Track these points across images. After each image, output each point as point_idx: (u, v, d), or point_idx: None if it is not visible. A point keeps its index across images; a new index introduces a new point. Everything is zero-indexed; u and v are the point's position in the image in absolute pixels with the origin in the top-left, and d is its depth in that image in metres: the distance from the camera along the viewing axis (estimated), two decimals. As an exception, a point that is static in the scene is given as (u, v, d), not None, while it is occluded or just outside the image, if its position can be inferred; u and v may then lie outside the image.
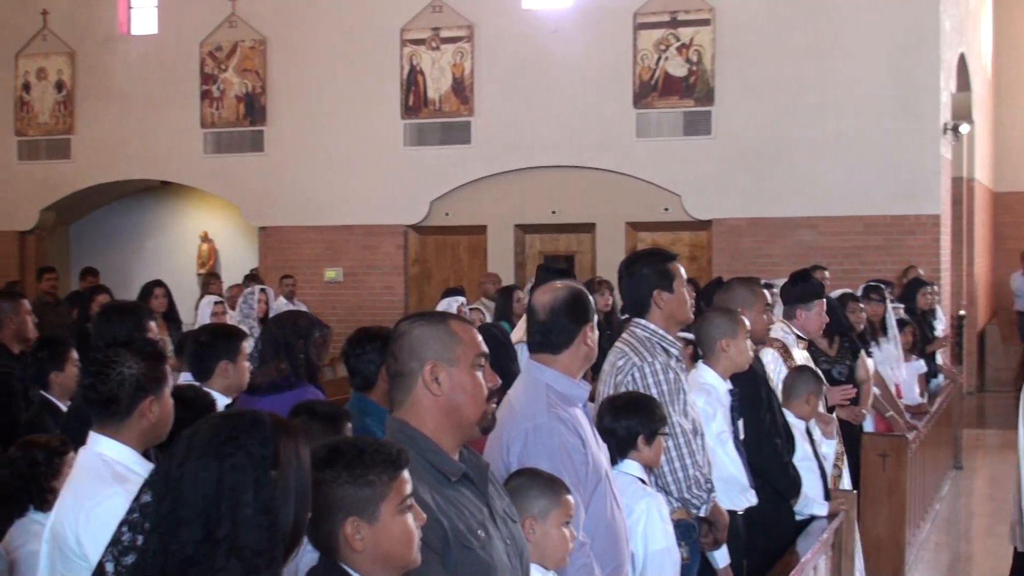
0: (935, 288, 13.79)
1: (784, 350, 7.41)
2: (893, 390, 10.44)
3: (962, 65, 18.42)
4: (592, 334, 4.44)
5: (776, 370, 7.31)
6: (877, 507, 8.92)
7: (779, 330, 7.54)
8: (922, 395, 11.63)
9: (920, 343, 12.03)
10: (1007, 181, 23.90)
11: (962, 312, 18.23)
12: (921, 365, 11.79)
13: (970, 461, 14.66)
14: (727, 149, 16.46)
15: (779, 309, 7.93)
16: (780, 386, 7.19)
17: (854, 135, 15.97)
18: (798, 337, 7.55)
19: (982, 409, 19.12)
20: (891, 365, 10.76)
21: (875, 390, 9.74)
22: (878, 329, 10.80)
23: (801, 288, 7.72)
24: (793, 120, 16.23)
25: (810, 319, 7.65)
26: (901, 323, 11.37)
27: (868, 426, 9.30)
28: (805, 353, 7.55)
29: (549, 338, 4.42)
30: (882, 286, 11.61)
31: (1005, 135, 23.79)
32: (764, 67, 16.33)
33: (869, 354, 10.00)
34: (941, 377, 13.24)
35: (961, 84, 18.40)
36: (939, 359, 13.40)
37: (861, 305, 10.17)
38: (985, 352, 20.70)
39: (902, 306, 12.22)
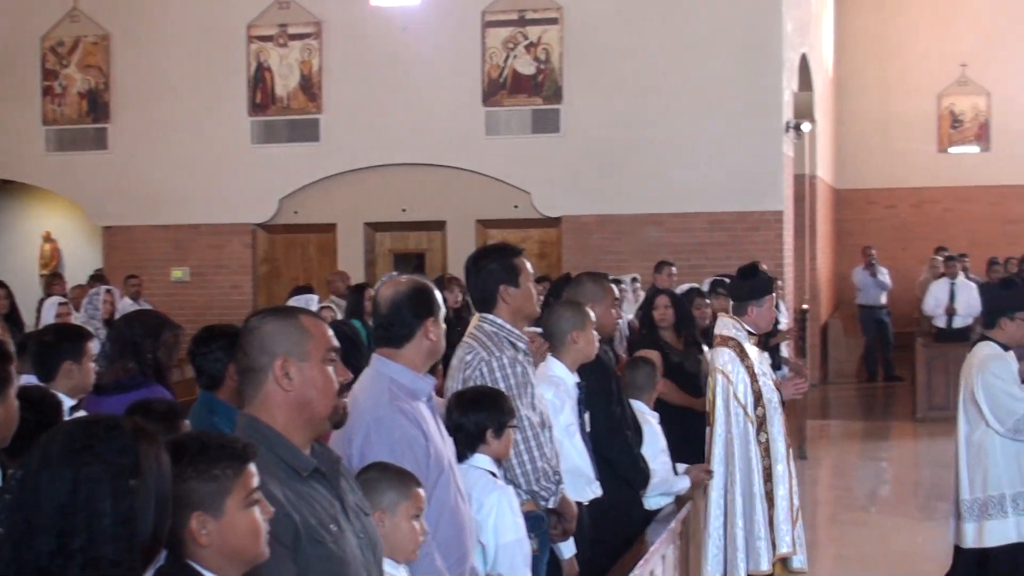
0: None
1: (739, 348, 7.45)
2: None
3: (804, 65, 18.85)
4: (435, 328, 4.45)
5: (734, 370, 7.38)
6: (724, 497, 9.06)
7: (731, 327, 7.56)
8: (767, 386, 11.85)
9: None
10: (848, 178, 24.54)
11: (805, 306, 18.64)
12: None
13: (814, 451, 15.00)
14: (576, 147, 16.61)
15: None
16: (740, 386, 7.32)
17: (699, 133, 16.24)
18: (749, 333, 7.57)
19: (826, 400, 19.58)
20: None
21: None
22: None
23: (752, 284, 7.68)
24: (640, 118, 16.44)
25: (761, 315, 7.62)
26: (745, 317, 11.58)
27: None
28: (757, 349, 7.61)
29: (390, 332, 4.45)
30: (727, 280, 11.83)
31: (846, 134, 24.43)
32: (612, 66, 16.52)
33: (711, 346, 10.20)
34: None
35: (803, 84, 18.83)
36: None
37: (707, 300, 10.35)
38: (828, 345, 21.19)
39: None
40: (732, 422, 7.34)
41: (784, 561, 7.37)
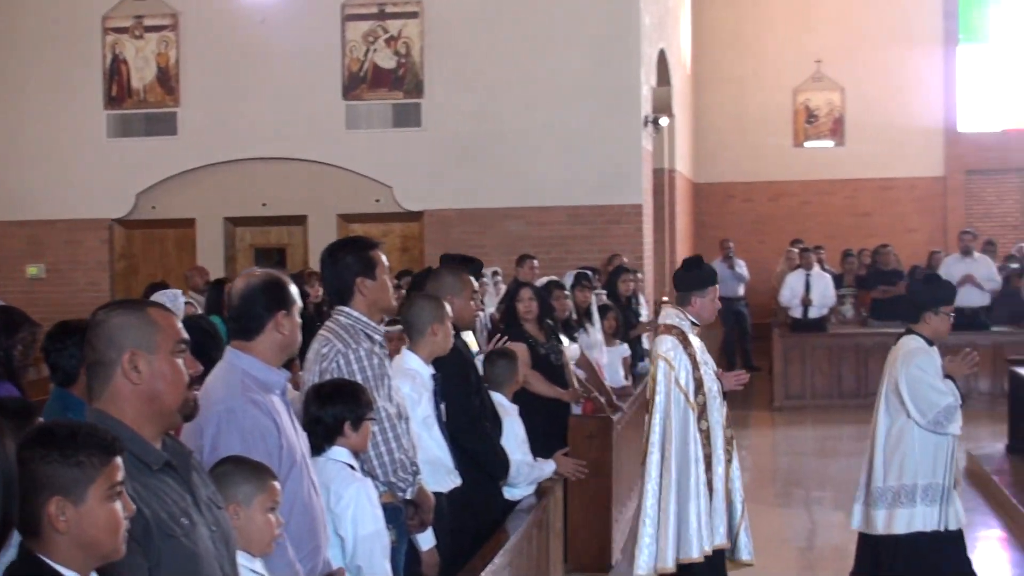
0: (638, 275, 14.24)
1: (683, 337, 7.50)
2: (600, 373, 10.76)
3: (662, 60, 19.07)
4: (287, 322, 4.44)
5: (677, 357, 7.43)
6: (584, 487, 9.15)
7: (674, 317, 7.61)
8: (626, 378, 12.02)
9: (624, 328, 12.41)
10: (706, 172, 24.90)
11: (665, 298, 18.85)
12: (624, 349, 12.18)
13: (674, 440, 15.18)
14: (437, 141, 16.62)
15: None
16: (683, 373, 7.38)
17: (560, 127, 16.36)
18: (692, 323, 7.62)
19: (686, 391, 19.84)
20: (596, 349, 11.09)
21: (581, 373, 10.03)
22: (583, 315, 11.10)
23: (696, 275, 7.74)
24: (501, 112, 16.51)
25: (704, 305, 7.65)
26: (604, 309, 11.73)
27: (575, 409, 9.53)
28: (699, 340, 7.66)
29: (241, 324, 4.45)
30: (589, 273, 11.96)
31: (704, 128, 24.77)
32: (472, 60, 16.56)
33: (574, 339, 10.32)
34: (647, 361, 13.67)
35: (661, 79, 19.05)
36: (645, 343, 13.84)
37: (566, 293, 10.44)
38: (688, 336, 21.48)
39: (604, 292, 12.60)
40: (673, 408, 7.44)
41: (731, 552, 7.53)
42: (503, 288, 12.56)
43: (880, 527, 7.53)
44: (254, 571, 3.93)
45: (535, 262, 13.85)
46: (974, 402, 16.53)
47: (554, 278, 10.99)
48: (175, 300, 10.46)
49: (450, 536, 5.92)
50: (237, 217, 17.59)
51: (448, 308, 6.10)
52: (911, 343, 7.56)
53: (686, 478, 7.36)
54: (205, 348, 5.18)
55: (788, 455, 14.74)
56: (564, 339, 9.88)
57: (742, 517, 7.57)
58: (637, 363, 13.01)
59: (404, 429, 5.42)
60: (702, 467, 7.38)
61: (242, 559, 3.78)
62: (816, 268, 18.15)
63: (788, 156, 24.90)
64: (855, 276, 19.13)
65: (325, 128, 16.80)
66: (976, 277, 17.10)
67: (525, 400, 8.49)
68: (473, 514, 6.26)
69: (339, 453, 4.99)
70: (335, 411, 4.97)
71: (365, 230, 16.74)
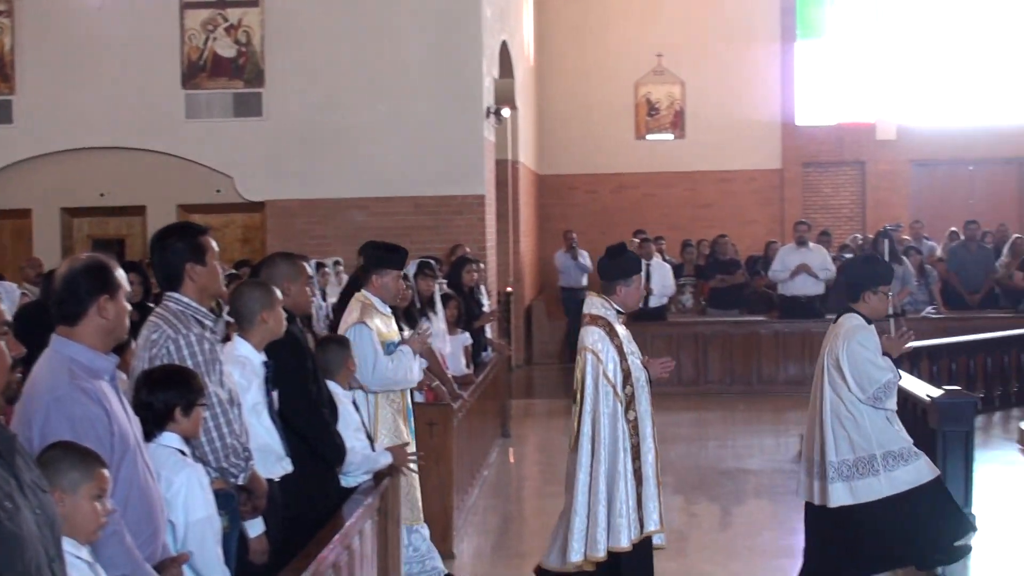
0: (480, 266, 14.31)
1: (609, 327, 7.55)
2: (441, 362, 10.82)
3: (505, 52, 19.18)
4: (111, 306, 4.41)
5: (603, 348, 7.50)
6: (426, 474, 9.18)
7: (599, 306, 7.64)
8: (468, 366, 12.10)
9: (466, 317, 12.48)
10: (550, 164, 25.11)
11: (509, 289, 19.00)
12: (466, 338, 12.24)
13: (520, 429, 15.35)
14: (279, 131, 16.52)
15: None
16: (610, 365, 7.45)
17: (402, 118, 16.37)
18: (618, 312, 7.67)
19: (530, 380, 20.03)
20: (439, 338, 11.15)
21: (424, 362, 10.06)
22: (426, 303, 11.14)
23: (620, 263, 7.78)
24: (343, 102, 16.47)
25: (629, 294, 7.72)
26: (446, 298, 11.80)
27: (418, 396, 9.57)
28: (625, 329, 7.68)
29: (63, 309, 4.41)
30: (432, 262, 12.01)
31: (547, 121, 24.97)
32: (314, 49, 16.48)
33: (415, 328, 10.35)
34: (490, 350, 13.78)
35: (504, 71, 19.16)
36: (488, 333, 13.94)
37: (408, 281, 10.45)
38: (532, 327, 21.67)
39: (445, 282, 12.66)
40: (601, 400, 7.51)
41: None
42: (345, 278, 12.53)
43: (837, 499, 7.65)
44: (80, 558, 3.90)
45: (378, 252, 13.82)
46: (808, 387, 16.98)
47: (398, 268, 11.00)
48: (12, 293, 10.29)
49: (285, 523, 5.92)
50: (74, 208, 17.27)
51: (280, 294, 6.10)
52: (851, 321, 7.73)
53: (616, 469, 7.48)
54: (36, 336, 5.11)
55: (629, 441, 14.93)
56: (406, 328, 9.91)
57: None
58: (480, 352, 13.11)
59: (236, 415, 5.42)
60: (629, 457, 7.50)
61: (68, 546, 3.75)
62: (656, 258, 18.42)
63: (630, 148, 25.22)
64: (694, 266, 19.47)
65: (164, 117, 16.58)
66: (811, 266, 17.51)
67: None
68: (310, 501, 6.27)
69: (170, 439, 4.96)
70: (165, 397, 4.95)
71: (205, 221, 16.51)
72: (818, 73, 25.44)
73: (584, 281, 21.09)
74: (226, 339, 6.29)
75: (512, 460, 13.99)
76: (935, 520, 7.66)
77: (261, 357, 6.00)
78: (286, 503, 5.97)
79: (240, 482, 5.38)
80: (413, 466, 7.61)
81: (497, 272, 18.05)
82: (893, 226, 18.16)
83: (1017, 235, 19.50)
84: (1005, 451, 12.15)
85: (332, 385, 6.82)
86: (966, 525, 7.86)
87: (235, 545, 5.35)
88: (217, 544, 4.95)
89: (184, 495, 4.86)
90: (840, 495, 7.63)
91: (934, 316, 17.23)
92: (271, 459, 5.90)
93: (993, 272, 18.31)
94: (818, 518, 7.93)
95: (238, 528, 5.42)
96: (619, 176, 25.25)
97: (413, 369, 7.97)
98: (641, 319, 17.93)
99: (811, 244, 17.89)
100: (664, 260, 18.91)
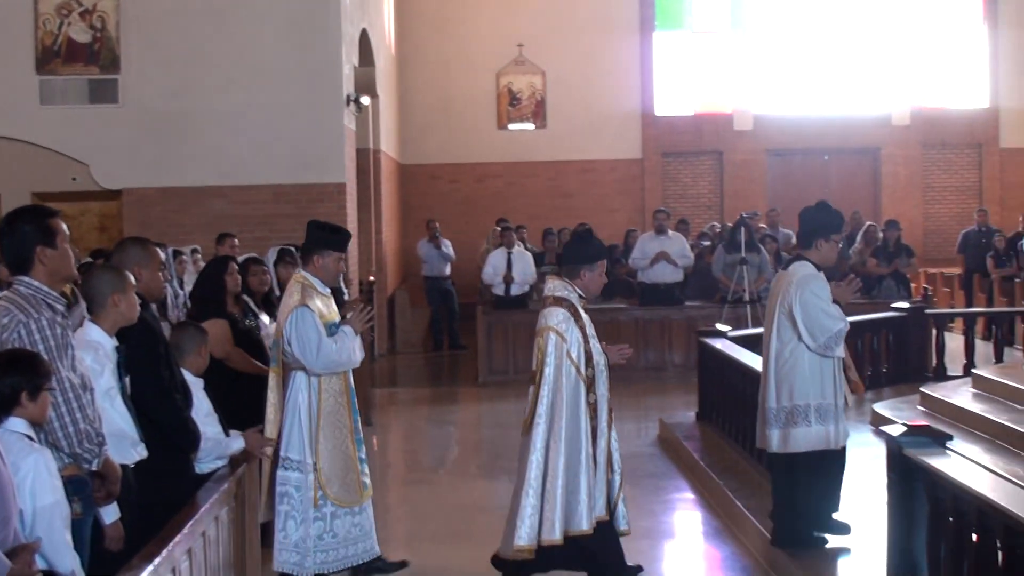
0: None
1: (573, 309, 7.57)
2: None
3: (365, 40, 19.11)
4: None
5: (568, 330, 7.51)
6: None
7: (562, 289, 7.66)
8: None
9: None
10: (413, 154, 25.10)
11: (372, 278, 18.95)
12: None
13: (383, 418, 15.33)
14: (135, 118, 16.26)
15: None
16: (574, 346, 7.48)
17: (261, 105, 16.22)
18: (580, 296, 7.69)
19: (394, 369, 20.01)
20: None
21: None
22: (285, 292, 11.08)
23: (586, 248, 7.82)
24: (202, 89, 16.26)
25: (593, 279, 7.73)
26: (305, 285, 11.73)
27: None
28: (585, 314, 7.69)
29: None
30: (293, 249, 11.94)
31: (409, 110, 24.96)
32: (171, 36, 16.24)
33: (274, 316, 10.31)
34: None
35: (365, 59, 19.09)
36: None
37: (264, 267, 10.40)
38: (395, 316, 21.64)
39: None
40: (564, 381, 7.53)
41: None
42: (202, 265, 12.40)
43: (774, 446, 7.84)
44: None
45: (235, 240, 13.72)
46: (668, 373, 17.27)
47: (253, 255, 10.93)
48: None
49: (139, 510, 5.86)
50: (-76, 196, 16.83)
51: (132, 279, 6.02)
52: (803, 269, 7.86)
53: (576, 451, 7.50)
54: None
55: (492, 428, 15.03)
56: (266, 315, 9.86)
57: (620, 488, 7.75)
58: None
59: (89, 400, 5.35)
60: (590, 440, 7.54)
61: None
62: (518, 247, 18.52)
63: (492, 138, 25.33)
64: (556, 254, 19.57)
65: (18, 103, 16.21)
66: (670, 254, 17.75)
67: (226, 375, 8.49)
68: (163, 487, 6.21)
69: (16, 424, 4.90)
70: (11, 381, 4.88)
71: (61, 209, 16.23)
72: (677, 64, 25.79)
73: (447, 270, 21.13)
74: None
75: (375, 448, 13.97)
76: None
77: (113, 342, 5.93)
78: (141, 489, 5.91)
79: (94, 468, 5.31)
80: (268, 450, 7.56)
81: (359, 261, 17.98)
82: (750, 214, 18.51)
83: (871, 223, 19.98)
84: (860, 433, 12.42)
85: (185, 372, 6.75)
86: (817, 524, 8.08)
87: (89, 532, 5.29)
88: (66, 530, 4.89)
89: (31, 480, 4.80)
90: (776, 442, 7.85)
91: (790, 302, 17.54)
92: (125, 444, 5.83)
93: (847, 259, 18.72)
94: (771, 463, 8.18)
95: (92, 514, 5.36)
96: (481, 166, 25.34)
97: (355, 350, 7.87)
98: (504, 307, 18.04)
99: (670, 232, 18.12)
100: (526, 248, 19.01)
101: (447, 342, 21.23)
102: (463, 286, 21.76)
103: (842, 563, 7.94)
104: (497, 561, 7.78)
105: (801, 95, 25.70)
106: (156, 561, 5.08)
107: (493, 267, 18.22)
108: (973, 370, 13.66)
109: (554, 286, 7.77)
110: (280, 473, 7.67)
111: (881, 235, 18.74)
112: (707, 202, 25.70)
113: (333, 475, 7.74)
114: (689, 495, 10.85)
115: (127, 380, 5.96)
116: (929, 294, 18.62)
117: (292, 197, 16.36)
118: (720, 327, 13.55)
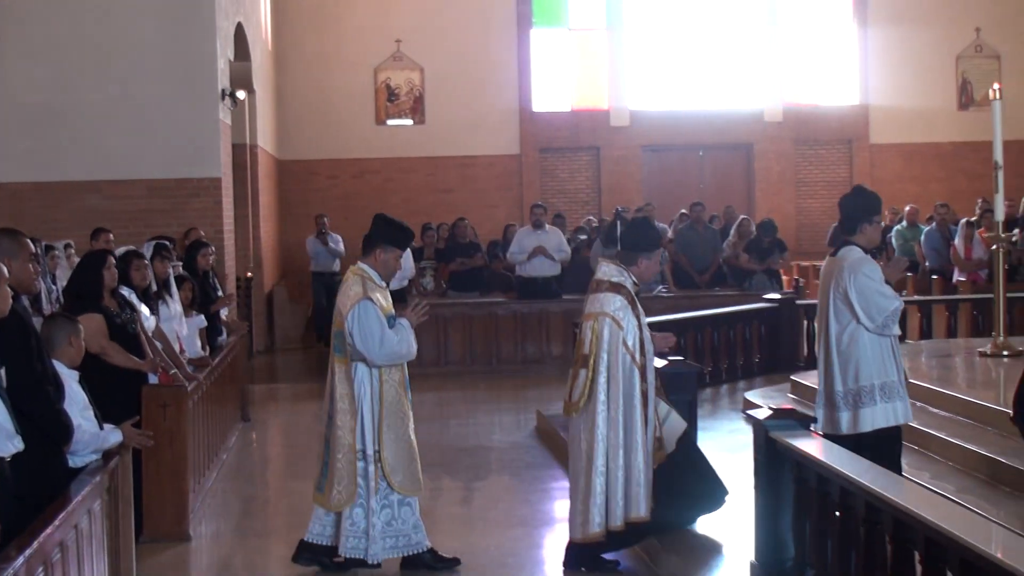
0: (211, 249, 14.15)
1: (630, 296, 7.77)
2: (176, 345, 10.72)
3: (241, 34, 18.99)
4: None
5: (625, 318, 7.71)
6: (159, 456, 9.11)
7: (618, 275, 7.87)
8: (203, 348, 12.01)
9: (201, 300, 12.38)
10: (291, 149, 24.95)
11: (249, 274, 18.85)
12: (201, 320, 12.15)
13: (262, 414, 15.28)
14: (9, 110, 16.01)
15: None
16: (631, 334, 7.67)
17: (135, 99, 16.07)
18: (633, 283, 7.86)
19: (273, 365, 19.92)
20: (176, 320, 11.05)
21: (158, 344, 9.96)
22: (161, 286, 11.02)
23: (649, 235, 8.08)
24: (74, 83, 16.07)
25: (649, 267, 8.00)
26: (180, 280, 11.70)
27: (152, 378, 9.46)
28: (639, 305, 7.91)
29: None
30: (168, 244, 11.88)
31: (287, 105, 24.81)
32: (44, 28, 16.01)
33: (154, 310, 10.27)
34: (226, 334, 13.67)
35: (241, 54, 18.97)
36: (223, 314, 13.84)
37: (146, 262, 10.34)
38: (274, 312, 21.54)
39: (180, 264, 12.54)
40: (619, 368, 7.65)
41: None
42: (76, 260, 12.25)
43: (844, 428, 7.93)
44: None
45: (111, 236, 13.58)
46: (546, 366, 17.40)
47: (132, 248, 10.86)
48: None
49: (15, 502, 5.81)
50: None
51: (4, 270, 5.97)
52: (853, 253, 7.99)
53: (632, 438, 7.66)
54: None
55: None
56: (145, 309, 9.83)
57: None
58: (216, 336, 13.01)
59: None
60: (644, 426, 7.72)
61: None
62: (396, 242, 18.49)
63: (371, 134, 25.28)
64: (435, 249, 19.65)
65: None
66: (547, 248, 17.89)
67: (103, 370, 8.44)
68: (36, 480, 6.16)
69: None
70: None
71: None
72: (555, 60, 25.97)
73: (336, 266, 20.95)
74: None
75: (255, 444, 13.92)
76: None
77: (-15, 335, 5.87)
78: (16, 482, 5.86)
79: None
80: (147, 441, 7.52)
81: (236, 257, 17.87)
82: (625, 208, 18.74)
83: (744, 216, 20.31)
84: (731, 421, 12.69)
85: (56, 364, 6.69)
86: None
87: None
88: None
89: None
90: (846, 423, 7.95)
91: (665, 295, 17.79)
92: (1, 437, 5.78)
93: (720, 252, 19.03)
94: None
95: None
96: (360, 161, 25.28)
97: (412, 342, 7.99)
98: (382, 302, 18.04)
99: (547, 226, 18.27)
100: (404, 244, 19.00)
101: (327, 338, 21.04)
102: (343, 281, 21.67)
103: (712, 544, 8.12)
104: (573, 547, 8.01)
105: (677, 92, 26.02)
106: (27, 553, 5.04)
107: (372, 262, 18.18)
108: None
109: (609, 271, 7.94)
110: (359, 464, 7.90)
111: (754, 229, 19.06)
112: (584, 197, 25.92)
113: (398, 464, 7.95)
114: (565, 484, 10.95)
115: (2, 372, 5.90)
116: (801, 286, 18.98)
117: (167, 192, 16.23)
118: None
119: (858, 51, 26.18)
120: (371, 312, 7.80)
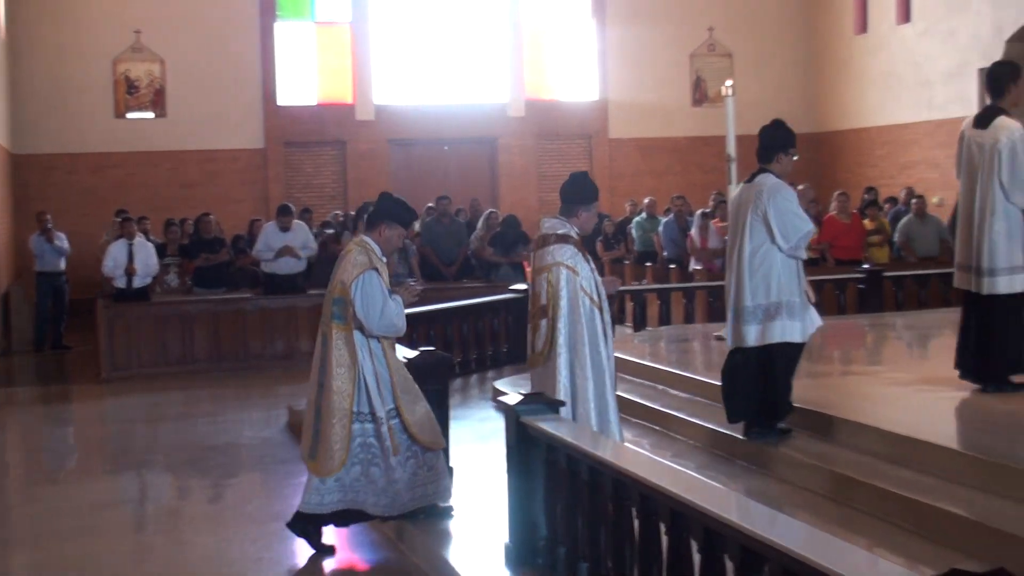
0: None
1: (579, 244, 8.10)
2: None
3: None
4: None
5: (578, 264, 7.98)
6: None
7: (562, 226, 8.12)
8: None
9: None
10: (26, 143, 24.17)
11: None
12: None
13: (0, 419, 14.83)
14: None
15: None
16: (584, 277, 7.96)
17: None
18: (577, 234, 8.13)
19: (11, 368, 19.27)
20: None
21: None
22: None
23: (586, 188, 8.24)
24: None
25: (588, 219, 8.23)
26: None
27: None
28: None
29: None
30: None
31: (22, 97, 24.02)
32: None
33: None
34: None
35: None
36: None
37: None
38: (10, 314, 20.83)
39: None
40: (581, 311, 7.89)
41: None
42: None
43: (752, 340, 8.45)
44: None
45: None
46: (296, 361, 17.26)
47: None
48: None
49: None
50: None
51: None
52: (769, 179, 8.55)
53: (600, 375, 7.93)
54: None
55: (117, 424, 14.74)
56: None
57: None
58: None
59: None
60: (612, 363, 8.04)
61: None
62: (140, 237, 18.17)
63: (110, 127, 24.71)
64: (179, 245, 19.35)
65: None
66: (294, 248, 17.84)
67: None
68: None
69: None
70: None
71: None
72: (300, 54, 25.83)
73: (62, 264, 20.30)
74: None
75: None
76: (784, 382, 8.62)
77: None
78: None
79: None
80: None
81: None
82: (372, 202, 18.77)
83: (492, 210, 20.62)
84: (482, 409, 12.90)
85: None
86: (788, 408, 8.75)
87: None
88: None
89: None
90: (753, 336, 8.46)
91: (414, 287, 17.91)
92: None
93: (467, 245, 19.27)
94: (740, 358, 8.72)
95: None
96: (100, 155, 24.67)
97: (403, 318, 8.24)
98: (125, 300, 17.66)
99: (294, 223, 18.19)
100: (148, 240, 18.69)
101: (50, 342, 20.24)
102: (81, 280, 21.14)
103: (466, 530, 8.26)
104: None
105: (422, 86, 26.22)
106: None
107: (114, 259, 17.82)
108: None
109: (553, 224, 8.18)
110: (355, 426, 8.07)
111: (501, 222, 19.38)
112: (331, 191, 25.87)
113: (423, 423, 8.19)
114: (318, 478, 10.99)
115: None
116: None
117: None
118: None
119: (597, 48, 26.83)
120: (376, 282, 8.09)
